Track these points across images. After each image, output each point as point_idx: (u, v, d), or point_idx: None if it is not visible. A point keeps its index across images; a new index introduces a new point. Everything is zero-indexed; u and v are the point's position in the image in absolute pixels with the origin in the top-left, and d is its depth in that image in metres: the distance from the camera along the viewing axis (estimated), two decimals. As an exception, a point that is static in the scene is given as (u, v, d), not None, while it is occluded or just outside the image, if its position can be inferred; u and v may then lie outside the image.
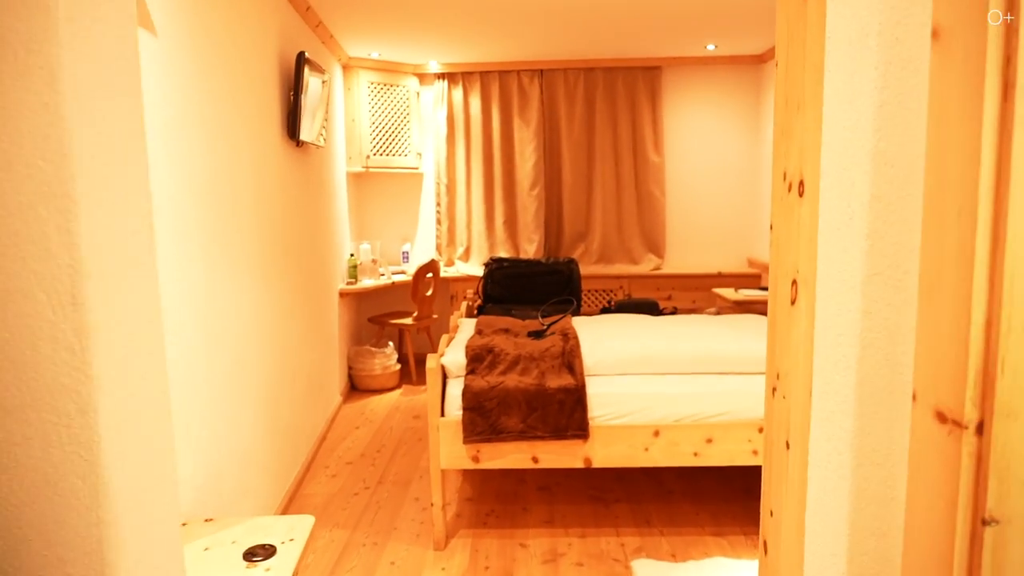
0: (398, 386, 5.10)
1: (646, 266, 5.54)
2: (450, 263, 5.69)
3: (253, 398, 2.73)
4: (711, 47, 5.07)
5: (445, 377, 2.83)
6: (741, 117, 5.55)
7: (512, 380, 2.68)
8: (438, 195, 5.64)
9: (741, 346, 2.80)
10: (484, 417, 2.62)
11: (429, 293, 5.19)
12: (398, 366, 5.10)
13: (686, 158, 5.62)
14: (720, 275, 5.45)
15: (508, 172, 5.56)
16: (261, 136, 2.97)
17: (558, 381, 2.67)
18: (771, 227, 1.45)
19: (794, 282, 1.35)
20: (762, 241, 5.49)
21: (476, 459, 2.67)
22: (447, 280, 5.55)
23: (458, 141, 5.58)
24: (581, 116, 5.47)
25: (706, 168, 5.62)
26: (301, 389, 3.57)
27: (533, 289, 4.08)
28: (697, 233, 5.70)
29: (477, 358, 2.77)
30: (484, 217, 5.59)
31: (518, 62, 5.41)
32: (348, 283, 4.91)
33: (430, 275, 5.15)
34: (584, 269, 5.51)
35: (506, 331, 3.18)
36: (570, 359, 2.75)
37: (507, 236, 5.59)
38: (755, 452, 2.63)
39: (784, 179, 1.40)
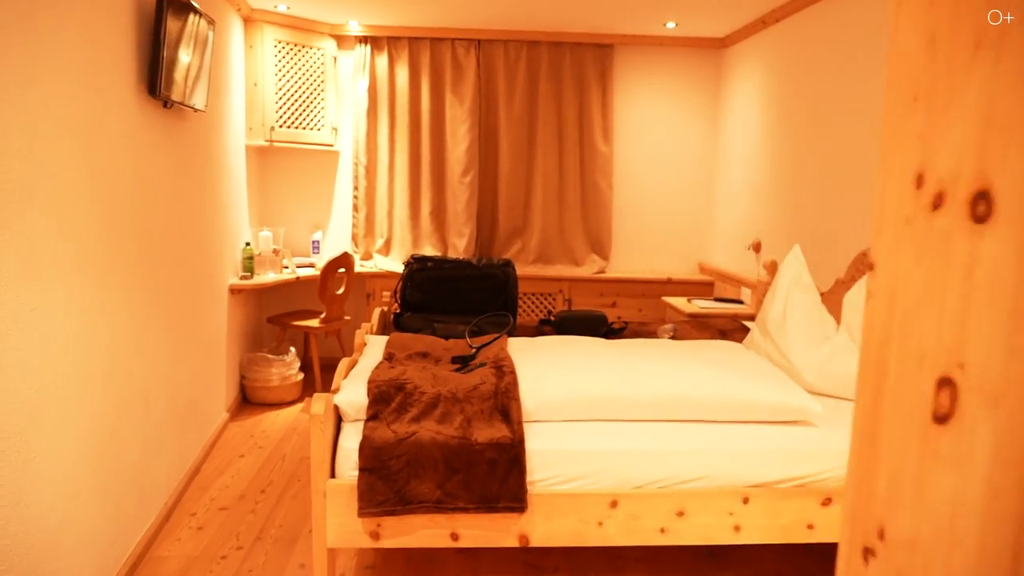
0: (299, 399, 4.36)
1: (589, 268, 4.96)
2: (367, 256, 4.96)
3: (69, 442, 1.98)
4: (671, 24, 4.50)
5: (340, 421, 2.14)
6: (699, 107, 5.02)
7: (428, 430, 2.02)
8: (356, 178, 4.90)
9: (721, 387, 2.23)
10: (388, 482, 1.95)
11: (340, 291, 4.46)
12: (300, 375, 4.36)
13: (637, 149, 5.06)
14: (670, 281, 4.93)
15: (438, 155, 4.87)
16: (97, 88, 2.19)
17: (489, 432, 2.03)
18: (871, 267, 0.83)
19: (946, 382, 0.73)
20: (716, 245, 5.00)
21: (376, 535, 2.00)
22: (363, 276, 4.82)
23: (381, 116, 4.84)
24: (522, 95, 4.82)
25: (658, 162, 5.08)
26: (160, 414, 2.81)
27: (461, 296, 3.43)
28: (645, 234, 5.15)
29: (382, 398, 2.10)
30: (408, 205, 4.88)
31: (453, 29, 4.71)
32: (242, 277, 4.13)
33: (342, 270, 4.42)
34: (520, 269, 4.88)
35: (424, 356, 2.52)
36: (505, 401, 2.11)
37: (434, 228, 4.90)
38: (737, 528, 2.06)
39: (918, 186, 0.78)
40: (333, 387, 2.18)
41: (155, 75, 2.52)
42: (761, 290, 4.10)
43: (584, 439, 2.09)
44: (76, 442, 2.03)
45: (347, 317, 4.62)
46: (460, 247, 4.85)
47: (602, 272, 4.98)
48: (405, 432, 2.00)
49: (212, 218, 3.60)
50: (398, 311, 3.49)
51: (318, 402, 1.99)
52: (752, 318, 4.21)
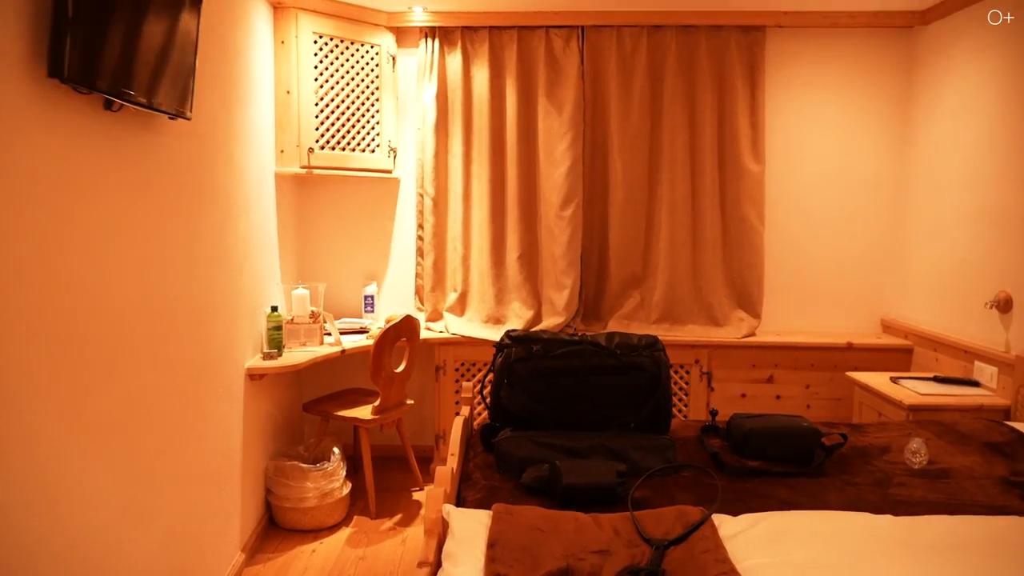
0: (345, 521, 3.16)
1: (735, 330, 3.63)
2: (435, 316, 3.77)
3: None
4: (858, -8, 3.20)
5: None
6: (882, 107, 3.68)
7: None
8: (421, 213, 3.73)
9: None
10: None
11: (401, 368, 3.27)
12: (346, 488, 3.16)
13: (797, 168, 3.74)
14: (851, 347, 3.55)
15: (528, 181, 3.66)
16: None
17: None
18: None
19: None
20: (910, 295, 3.61)
21: None
22: (430, 344, 3.62)
23: (453, 132, 3.68)
24: (641, 98, 3.58)
25: (826, 184, 3.74)
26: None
27: (588, 400, 2.17)
28: (809, 282, 3.80)
29: None
30: (489, 249, 3.67)
31: (548, 12, 3.53)
32: (265, 356, 2.97)
33: (404, 340, 3.24)
34: (638, 331, 3.61)
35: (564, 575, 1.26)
36: None
37: (524, 279, 3.68)
38: None
39: None
40: None
41: (59, 48, 1.36)
42: (1023, 369, 2.71)
43: None
44: None
45: (409, 401, 3.42)
46: (559, 303, 3.60)
47: (752, 335, 3.64)
48: None
49: (216, 277, 2.46)
50: (487, 424, 2.25)
51: None
52: (1007, 412, 2.81)
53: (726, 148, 3.61)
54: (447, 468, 1.69)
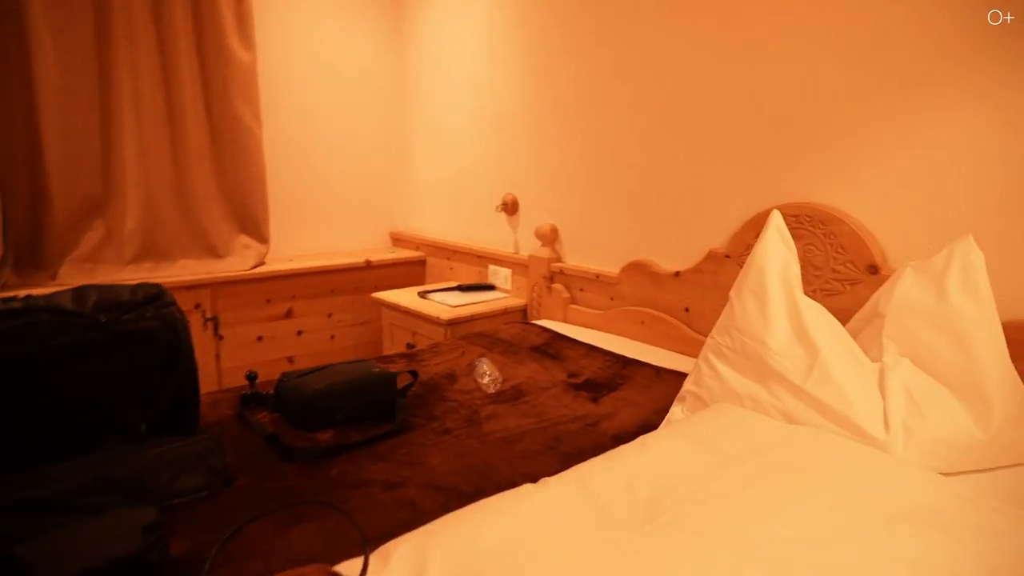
0: None
1: (240, 261, 2.94)
2: None
3: None
4: None
5: None
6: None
7: None
8: None
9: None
10: None
11: None
12: None
13: (293, 59, 3.14)
14: (369, 265, 3.25)
15: None
16: None
17: None
18: None
19: None
20: (416, 204, 3.48)
21: None
22: None
23: None
24: (69, -62, 2.44)
25: (325, 80, 3.26)
26: None
27: (60, 405, 1.27)
28: (317, 195, 3.33)
29: None
30: None
31: None
32: None
33: None
34: (111, 276, 2.62)
35: None
36: None
37: None
38: None
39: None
40: None
41: None
42: (538, 269, 2.80)
43: None
44: None
45: None
46: (-34, 247, 2.32)
47: (262, 264, 3.01)
48: None
49: None
50: None
51: None
52: (524, 311, 2.89)
53: (204, 19, 2.77)
54: None
